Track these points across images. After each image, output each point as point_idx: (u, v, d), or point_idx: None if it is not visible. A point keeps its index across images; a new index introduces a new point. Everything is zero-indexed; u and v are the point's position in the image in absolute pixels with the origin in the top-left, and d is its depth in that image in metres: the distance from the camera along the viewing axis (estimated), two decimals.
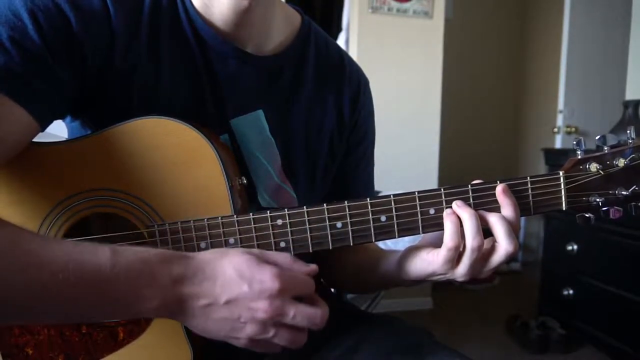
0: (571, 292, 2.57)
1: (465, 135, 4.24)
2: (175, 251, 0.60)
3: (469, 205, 0.69)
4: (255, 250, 0.62)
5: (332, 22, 3.08)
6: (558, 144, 3.41)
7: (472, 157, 4.22)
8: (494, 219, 0.68)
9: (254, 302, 0.57)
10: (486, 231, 0.68)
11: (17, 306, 0.54)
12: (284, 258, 0.62)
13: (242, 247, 0.70)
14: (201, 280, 0.58)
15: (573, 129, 3.32)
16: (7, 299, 0.52)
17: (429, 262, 0.71)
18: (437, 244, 0.72)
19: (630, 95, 2.69)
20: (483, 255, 0.69)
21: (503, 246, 0.67)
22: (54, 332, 0.71)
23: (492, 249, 0.69)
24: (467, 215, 0.67)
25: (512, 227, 0.68)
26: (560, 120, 3.38)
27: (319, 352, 0.84)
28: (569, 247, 2.54)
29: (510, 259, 0.69)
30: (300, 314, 0.59)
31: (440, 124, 3.06)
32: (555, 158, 2.83)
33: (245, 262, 0.59)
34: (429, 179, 3.00)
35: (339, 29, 3.06)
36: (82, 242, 0.57)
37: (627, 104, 2.61)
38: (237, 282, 0.57)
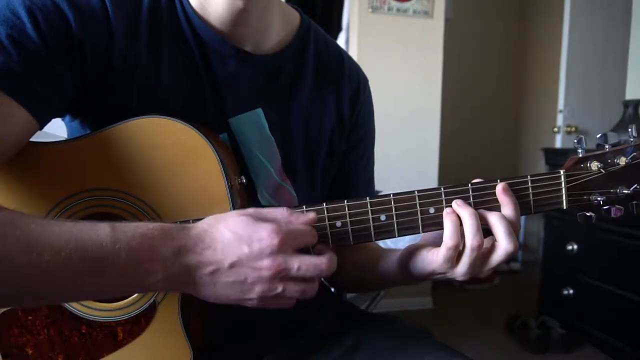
0: (571, 291, 2.57)
1: (465, 135, 4.24)
2: (174, 223, 0.61)
3: (469, 204, 0.69)
4: (251, 209, 0.62)
5: (332, 21, 3.08)
6: (558, 143, 3.41)
7: (472, 157, 4.22)
8: (493, 218, 0.68)
9: (256, 261, 0.58)
10: (486, 230, 0.68)
11: (21, 287, 0.54)
12: (281, 212, 0.63)
13: None
14: (202, 249, 0.58)
15: (573, 129, 3.32)
16: (10, 280, 0.52)
17: (428, 261, 0.71)
18: (437, 243, 0.72)
19: (630, 95, 2.69)
20: (483, 254, 0.68)
21: (503, 245, 0.67)
22: (53, 332, 0.71)
23: (491, 248, 0.69)
24: (467, 214, 0.67)
25: (512, 226, 0.68)
26: (560, 120, 3.38)
27: (319, 351, 0.84)
28: (569, 247, 2.54)
29: (510, 258, 0.69)
30: (305, 265, 0.60)
31: (440, 124, 3.06)
32: (555, 158, 2.83)
33: (241, 223, 0.59)
34: (429, 179, 3.00)
35: (339, 29, 3.06)
36: (81, 222, 0.57)
37: (627, 104, 2.61)
38: (237, 245, 0.58)
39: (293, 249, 0.60)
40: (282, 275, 0.59)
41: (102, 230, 0.56)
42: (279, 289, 0.60)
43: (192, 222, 0.69)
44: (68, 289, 0.57)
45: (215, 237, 0.59)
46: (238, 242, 0.58)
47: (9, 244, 0.52)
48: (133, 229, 0.57)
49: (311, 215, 0.65)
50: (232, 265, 0.58)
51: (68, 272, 0.54)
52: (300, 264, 0.59)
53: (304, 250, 0.62)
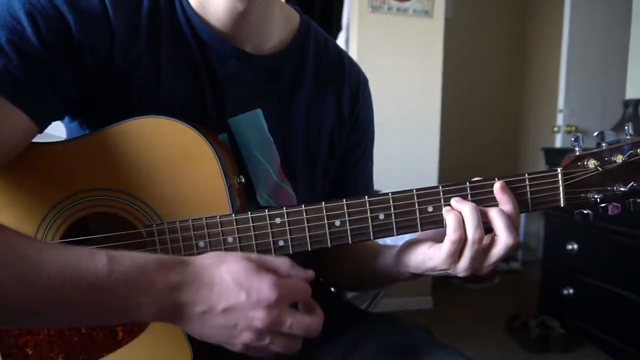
0: (571, 291, 2.57)
1: (465, 135, 4.24)
2: (173, 256, 0.60)
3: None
4: (254, 256, 0.61)
5: (332, 21, 3.08)
6: (558, 143, 3.40)
7: (472, 157, 4.21)
8: (493, 213, 0.68)
9: (251, 311, 0.57)
10: (486, 229, 0.68)
11: (14, 312, 0.54)
12: (283, 264, 0.62)
13: (240, 246, 0.70)
14: (198, 287, 0.57)
15: (573, 128, 3.31)
16: (4, 305, 0.52)
17: (430, 256, 0.71)
18: (436, 239, 0.72)
19: (630, 94, 2.69)
20: (483, 249, 0.68)
21: (503, 239, 0.67)
22: (53, 332, 0.71)
23: (492, 243, 0.69)
24: (467, 209, 0.67)
25: (512, 222, 0.68)
26: (560, 120, 3.38)
27: (319, 351, 0.84)
28: (569, 247, 2.54)
29: (511, 252, 0.69)
30: (297, 324, 0.59)
31: (440, 124, 3.06)
32: (555, 157, 2.83)
33: (243, 269, 0.58)
34: (428, 179, 3.00)
35: (339, 29, 3.06)
36: (79, 248, 0.57)
37: (627, 104, 2.61)
38: (235, 291, 0.57)
39: (288, 304, 0.60)
40: (272, 329, 0.58)
41: (98, 260, 0.55)
42: (267, 341, 0.59)
43: (192, 223, 0.69)
44: (61, 317, 0.57)
45: (214, 277, 0.58)
46: (237, 288, 0.57)
47: (4, 270, 0.52)
48: (130, 261, 0.56)
49: (310, 272, 0.64)
50: (225, 310, 0.57)
51: (62, 300, 0.54)
52: (293, 321, 0.59)
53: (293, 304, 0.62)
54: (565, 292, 2.58)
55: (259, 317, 0.57)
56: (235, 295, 0.57)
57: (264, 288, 0.57)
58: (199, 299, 0.57)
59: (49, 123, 0.69)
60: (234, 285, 0.57)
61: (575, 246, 2.53)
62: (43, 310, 0.54)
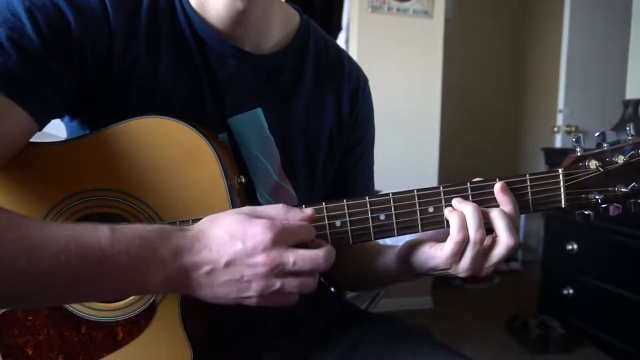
0: (571, 291, 2.57)
1: (465, 135, 4.24)
2: (171, 225, 0.61)
3: None
4: (246, 208, 0.63)
5: (332, 21, 3.08)
6: (558, 143, 3.41)
7: (472, 157, 4.22)
8: (494, 214, 0.68)
9: (251, 257, 0.58)
10: (487, 229, 0.68)
11: (22, 289, 0.54)
12: (277, 209, 0.63)
13: None
14: (199, 250, 0.58)
15: (573, 129, 3.32)
16: (10, 283, 0.53)
17: (431, 256, 0.71)
18: (437, 239, 0.72)
19: (630, 94, 2.69)
20: (485, 249, 0.68)
21: (504, 240, 0.67)
22: (53, 332, 0.71)
23: (493, 244, 0.69)
24: (469, 209, 0.67)
25: (512, 223, 0.68)
26: (560, 120, 3.38)
27: (318, 351, 0.84)
28: (569, 247, 2.54)
29: (511, 253, 0.69)
30: (301, 259, 0.60)
31: (440, 124, 3.06)
32: (555, 157, 2.83)
33: (234, 221, 0.60)
34: (429, 179, 3.00)
35: (339, 29, 3.06)
36: (81, 223, 0.58)
37: (627, 104, 2.61)
38: (231, 242, 0.58)
39: (288, 245, 0.60)
40: (278, 270, 0.59)
41: (101, 232, 0.56)
42: (277, 285, 0.59)
43: (192, 223, 0.69)
44: (68, 291, 0.57)
45: (211, 236, 0.59)
46: (232, 239, 0.58)
47: (9, 247, 0.52)
48: (132, 231, 0.57)
49: (308, 211, 0.65)
50: (227, 264, 0.58)
51: (67, 274, 0.54)
52: (296, 258, 0.59)
53: (302, 246, 0.62)
54: (565, 292, 2.58)
55: (260, 261, 0.58)
56: (232, 247, 0.58)
57: (258, 232, 0.58)
58: (201, 260, 0.58)
59: (48, 121, 0.69)
60: (229, 238, 0.58)
61: (575, 246, 2.53)
62: (50, 284, 0.55)
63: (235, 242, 0.58)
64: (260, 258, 0.58)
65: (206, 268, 0.59)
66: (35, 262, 0.53)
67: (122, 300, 0.71)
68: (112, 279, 0.56)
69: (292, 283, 0.60)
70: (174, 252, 0.58)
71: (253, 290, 0.59)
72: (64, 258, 0.53)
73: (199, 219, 0.68)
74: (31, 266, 0.53)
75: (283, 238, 0.59)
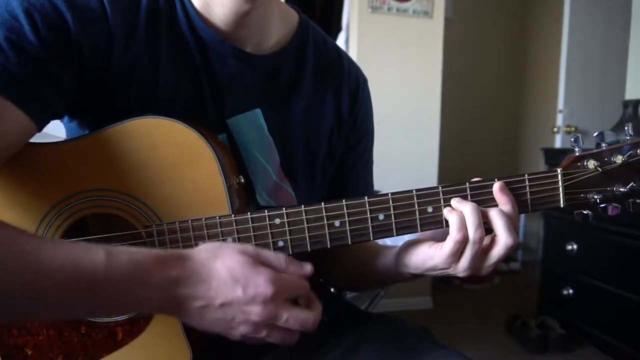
0: (571, 291, 2.57)
1: (465, 135, 4.24)
2: (171, 251, 0.60)
3: None
4: (251, 249, 0.62)
5: (332, 21, 3.08)
6: (558, 143, 3.41)
7: (472, 157, 4.22)
8: (493, 213, 0.68)
9: (247, 305, 0.58)
10: (486, 230, 0.68)
11: (15, 306, 0.54)
12: (279, 259, 0.63)
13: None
14: (196, 283, 0.58)
15: (573, 129, 3.32)
16: (5, 300, 0.52)
17: (430, 255, 0.71)
18: (436, 239, 0.72)
19: (630, 95, 2.68)
20: (484, 249, 0.69)
21: (503, 240, 0.67)
22: (53, 333, 0.71)
23: (492, 243, 0.69)
24: (468, 209, 0.68)
25: (511, 223, 0.68)
26: (560, 120, 3.38)
27: (318, 352, 0.84)
28: (569, 247, 2.54)
29: (510, 253, 0.69)
30: (293, 318, 0.60)
31: (440, 124, 3.06)
32: (555, 158, 2.83)
33: (239, 264, 0.59)
34: (428, 179, 3.00)
35: (339, 29, 3.06)
36: (77, 244, 0.57)
37: (627, 104, 2.61)
38: (232, 286, 0.58)
39: (284, 300, 0.60)
40: (268, 323, 0.59)
41: (97, 256, 0.55)
42: (263, 333, 0.60)
43: (191, 223, 0.69)
44: (62, 310, 0.58)
45: (212, 272, 0.59)
46: (234, 283, 0.58)
47: (5, 265, 0.52)
48: (128, 257, 0.57)
49: (307, 267, 0.64)
50: (222, 305, 0.58)
51: (62, 295, 0.54)
52: (289, 316, 0.60)
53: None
54: (565, 292, 2.58)
55: (255, 311, 0.58)
56: (232, 290, 0.58)
57: (261, 283, 0.58)
58: (197, 294, 0.58)
59: (47, 122, 0.69)
60: (230, 280, 0.58)
61: (575, 246, 2.53)
62: (44, 304, 0.55)
63: (236, 287, 0.58)
64: (257, 309, 0.58)
65: (201, 302, 0.58)
66: (31, 281, 0.52)
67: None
68: (105, 302, 0.57)
69: (276, 335, 0.61)
70: (170, 282, 0.57)
71: (239, 331, 0.60)
72: (58, 278, 0.53)
73: (198, 219, 0.69)
74: (27, 285, 0.52)
75: (282, 293, 0.60)
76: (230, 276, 0.58)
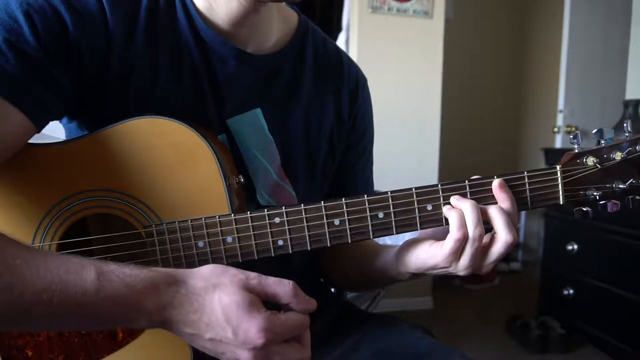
0: (571, 291, 2.57)
1: (465, 135, 4.24)
2: (166, 273, 0.58)
3: None
4: (254, 283, 0.58)
5: (332, 22, 3.08)
6: (558, 143, 3.41)
7: (472, 157, 4.21)
8: (492, 211, 0.68)
9: (237, 348, 0.56)
10: (485, 229, 0.68)
11: (2, 320, 0.54)
12: (285, 289, 0.59)
13: (240, 245, 0.70)
14: (187, 312, 0.56)
15: (573, 129, 3.31)
16: None
17: (431, 254, 0.71)
18: (436, 238, 0.72)
19: (630, 95, 2.68)
20: (483, 247, 0.69)
21: (502, 237, 0.68)
22: (53, 334, 0.71)
23: (491, 240, 0.69)
24: (468, 206, 0.68)
25: (511, 220, 0.68)
26: (560, 120, 3.38)
27: (318, 352, 0.84)
28: (569, 247, 2.54)
29: (510, 250, 0.69)
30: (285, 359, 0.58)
31: (440, 124, 3.06)
32: (555, 157, 2.83)
33: (235, 304, 0.56)
34: (429, 179, 2.98)
35: (339, 29, 3.06)
36: (69, 259, 0.56)
37: (627, 104, 2.61)
38: (222, 326, 0.56)
39: (282, 340, 0.58)
40: None
41: (87, 276, 0.54)
42: None
43: (191, 223, 0.69)
44: (49, 326, 0.59)
45: (205, 306, 0.56)
46: (225, 323, 0.56)
47: None
48: (120, 279, 0.55)
49: (313, 303, 0.61)
50: (211, 340, 0.57)
51: (49, 313, 0.53)
52: (282, 359, 0.57)
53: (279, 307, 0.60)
54: (565, 292, 2.58)
55: (244, 356, 0.56)
56: (222, 331, 0.56)
57: (252, 331, 0.55)
58: (187, 322, 0.57)
59: (46, 123, 0.69)
60: (222, 320, 0.56)
61: (575, 246, 2.53)
62: (30, 319, 0.54)
63: (226, 329, 0.55)
64: (246, 354, 0.56)
65: (189, 330, 0.57)
66: (16, 298, 0.52)
67: None
68: (93, 321, 0.56)
69: None
70: (161, 307, 0.56)
71: None
72: (45, 297, 0.52)
73: (198, 219, 0.68)
74: (11, 302, 0.52)
75: (275, 341, 0.56)
76: (222, 315, 0.56)
